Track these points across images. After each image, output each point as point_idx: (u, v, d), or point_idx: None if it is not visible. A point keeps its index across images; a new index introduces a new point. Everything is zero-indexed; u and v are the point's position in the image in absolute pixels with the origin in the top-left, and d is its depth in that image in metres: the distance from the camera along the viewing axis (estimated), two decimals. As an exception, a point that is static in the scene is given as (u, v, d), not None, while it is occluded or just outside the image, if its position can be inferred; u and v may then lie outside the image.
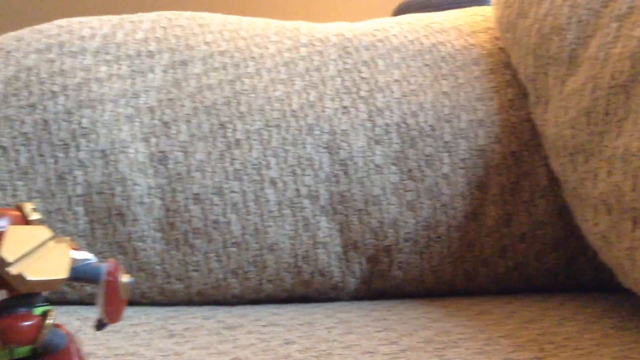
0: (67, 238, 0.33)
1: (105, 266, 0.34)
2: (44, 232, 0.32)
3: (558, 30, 0.60)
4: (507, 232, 0.65)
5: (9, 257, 0.29)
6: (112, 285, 0.34)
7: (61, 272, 0.30)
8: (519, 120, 0.67)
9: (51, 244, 0.31)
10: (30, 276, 0.29)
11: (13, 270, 0.29)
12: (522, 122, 0.67)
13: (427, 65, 0.70)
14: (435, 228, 0.64)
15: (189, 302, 0.66)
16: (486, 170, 0.65)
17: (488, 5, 1.13)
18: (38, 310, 0.32)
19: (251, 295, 0.66)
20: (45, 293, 0.33)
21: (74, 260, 0.32)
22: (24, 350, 0.34)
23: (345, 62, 0.71)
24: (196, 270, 0.64)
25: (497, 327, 0.52)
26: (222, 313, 0.61)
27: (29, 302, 0.32)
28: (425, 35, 0.74)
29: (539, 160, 0.66)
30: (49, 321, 0.31)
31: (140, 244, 0.62)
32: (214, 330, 0.54)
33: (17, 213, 0.33)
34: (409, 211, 0.64)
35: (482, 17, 0.80)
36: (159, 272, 0.63)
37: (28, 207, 0.33)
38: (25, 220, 0.33)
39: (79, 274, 0.33)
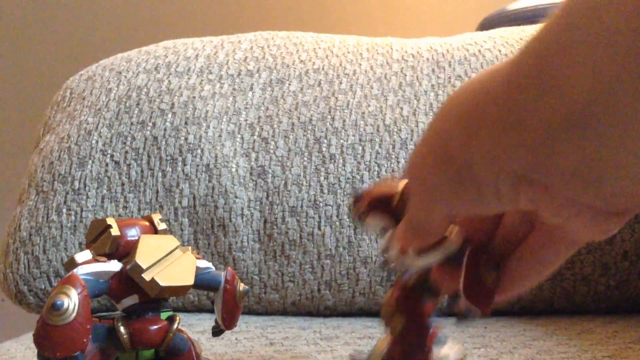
0: (190, 247, 0.35)
1: (224, 275, 0.36)
2: (171, 241, 0.34)
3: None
4: (609, 249, 0.63)
5: (143, 264, 0.31)
6: (230, 293, 0.36)
7: (188, 279, 0.33)
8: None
9: (178, 252, 0.34)
10: (163, 282, 0.31)
11: (147, 276, 0.31)
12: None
13: (522, 79, 0.69)
14: (532, 244, 0.63)
15: (284, 312, 0.68)
16: (586, 185, 0.63)
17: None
18: (164, 315, 0.35)
19: (344, 307, 0.67)
20: (170, 299, 0.36)
21: (197, 269, 0.35)
22: (148, 353, 0.36)
23: (438, 77, 0.71)
24: (292, 281, 0.65)
25: (600, 347, 0.50)
26: (317, 324, 0.62)
27: (156, 307, 0.34)
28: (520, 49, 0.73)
29: (642, 175, 0.63)
30: (175, 326, 0.34)
31: (240, 254, 0.65)
32: (311, 340, 0.55)
33: (147, 223, 0.35)
34: (505, 227, 0.63)
35: (578, 29, 0.78)
36: (256, 282, 0.65)
37: (156, 218, 0.35)
38: (154, 230, 0.35)
39: (201, 282, 0.35)
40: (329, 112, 0.69)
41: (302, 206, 0.65)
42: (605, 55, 0.19)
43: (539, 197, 0.23)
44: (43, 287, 0.65)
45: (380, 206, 0.34)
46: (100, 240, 0.33)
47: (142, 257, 0.32)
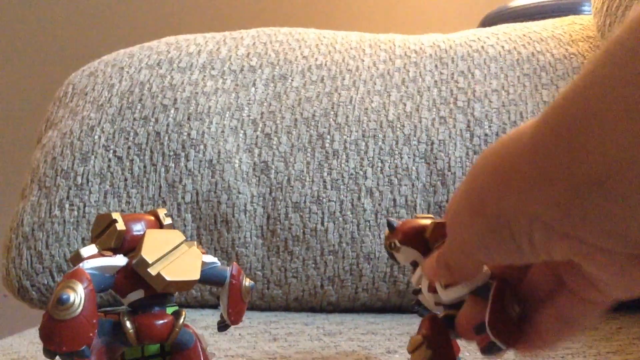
0: (195, 242, 0.35)
1: (230, 269, 0.36)
2: (177, 235, 0.34)
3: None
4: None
5: (149, 258, 0.31)
6: (235, 288, 0.36)
7: (194, 274, 0.33)
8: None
9: (183, 247, 0.33)
10: (169, 277, 0.31)
11: (153, 270, 0.31)
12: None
13: (526, 74, 0.69)
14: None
15: (287, 307, 0.68)
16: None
17: (583, 14, 1.09)
18: (170, 310, 0.34)
19: (347, 303, 0.67)
20: (176, 294, 0.35)
21: (203, 263, 0.35)
22: (154, 347, 0.36)
23: (441, 73, 0.71)
24: (295, 277, 0.65)
25: (605, 342, 0.50)
26: (320, 320, 0.62)
27: (162, 302, 0.34)
28: (523, 45, 0.73)
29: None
30: (181, 320, 0.33)
31: (243, 250, 0.65)
32: (314, 336, 0.55)
33: (152, 218, 0.35)
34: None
35: (580, 25, 0.78)
36: (259, 278, 0.65)
37: (161, 212, 0.35)
38: (159, 225, 0.35)
39: (207, 276, 0.35)
40: (332, 108, 0.69)
41: (305, 202, 0.65)
42: (623, 131, 0.20)
43: (573, 248, 0.24)
44: (46, 282, 0.65)
45: (413, 239, 0.36)
46: (106, 235, 0.33)
47: (148, 252, 0.31)
